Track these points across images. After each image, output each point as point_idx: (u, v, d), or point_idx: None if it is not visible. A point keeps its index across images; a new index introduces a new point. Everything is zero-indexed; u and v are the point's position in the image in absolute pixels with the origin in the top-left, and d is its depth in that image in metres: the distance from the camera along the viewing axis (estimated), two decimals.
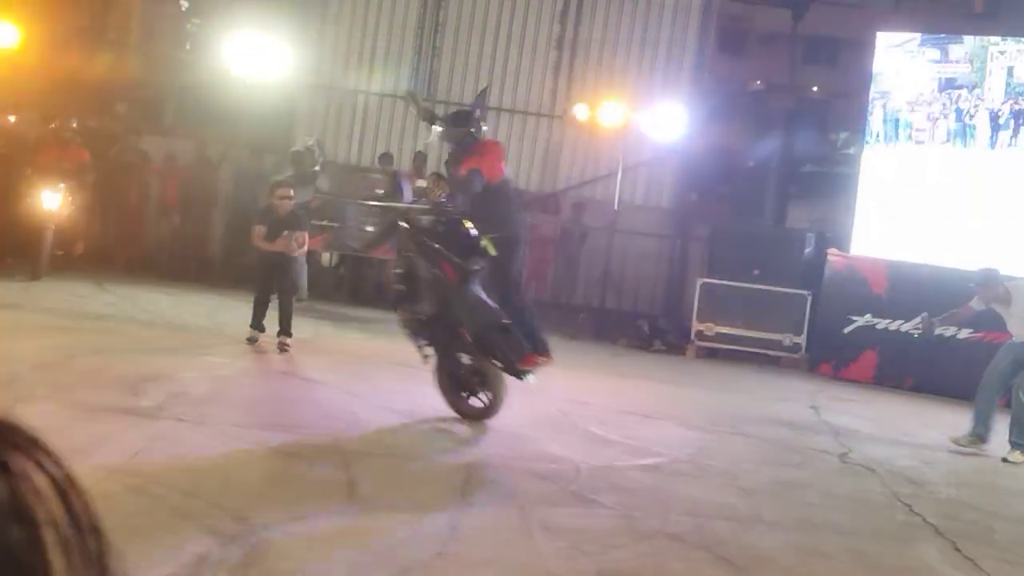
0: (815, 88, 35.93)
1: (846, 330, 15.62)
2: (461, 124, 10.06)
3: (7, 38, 16.65)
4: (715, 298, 16.53)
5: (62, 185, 15.07)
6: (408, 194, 11.03)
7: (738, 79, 32.49)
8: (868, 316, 15.64)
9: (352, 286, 18.37)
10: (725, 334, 16.47)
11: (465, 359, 9.61)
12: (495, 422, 9.91)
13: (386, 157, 18.75)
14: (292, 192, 12.59)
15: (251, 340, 12.36)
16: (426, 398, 10.61)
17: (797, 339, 16.33)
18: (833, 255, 16.29)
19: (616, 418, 10.92)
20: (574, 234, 18.65)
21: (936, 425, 12.75)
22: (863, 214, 16.51)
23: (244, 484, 7.16)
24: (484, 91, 18.26)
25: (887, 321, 15.49)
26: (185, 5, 24.92)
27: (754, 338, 16.39)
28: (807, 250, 17.05)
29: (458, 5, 19.94)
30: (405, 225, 9.84)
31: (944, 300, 14.97)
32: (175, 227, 18.61)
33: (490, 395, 9.63)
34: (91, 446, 7.48)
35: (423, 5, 19.96)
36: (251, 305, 12.50)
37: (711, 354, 16.51)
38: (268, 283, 12.49)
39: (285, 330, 12.36)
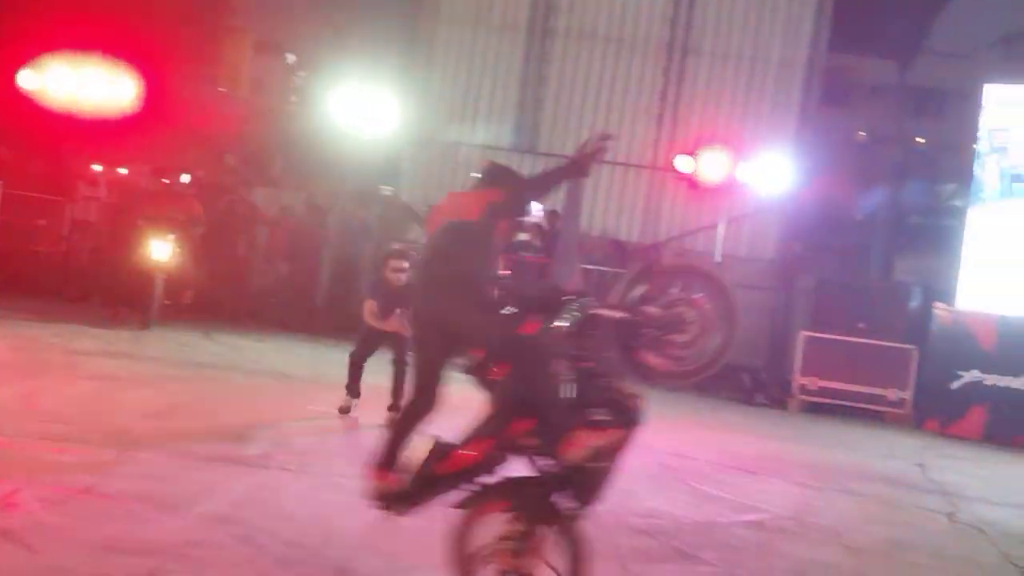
0: (921, 140, 35.57)
1: (953, 385, 15.33)
2: None
3: (125, 92, 17.13)
4: (819, 351, 16.34)
5: (172, 235, 15.38)
6: None
7: (844, 130, 32.24)
8: (976, 372, 15.34)
9: None
10: (829, 388, 16.27)
11: None
12: None
13: None
14: (406, 264, 11.23)
15: (344, 410, 11.32)
16: None
17: (903, 394, 16.06)
18: (939, 309, 16.02)
19: (718, 473, 10.82)
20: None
21: None
22: (970, 268, 16.23)
23: (347, 534, 7.20)
24: (585, 144, 18.42)
25: (996, 377, 15.18)
26: (292, 58, 25.40)
27: (858, 393, 16.16)
28: (913, 304, 16.80)
29: (561, 58, 20.07)
30: None
31: None
32: (281, 277, 18.86)
33: None
34: (197, 495, 7.60)
35: (527, 58, 20.13)
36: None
37: (814, 408, 16.30)
38: (371, 349, 11.41)
39: (397, 404, 10.77)
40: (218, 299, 18.10)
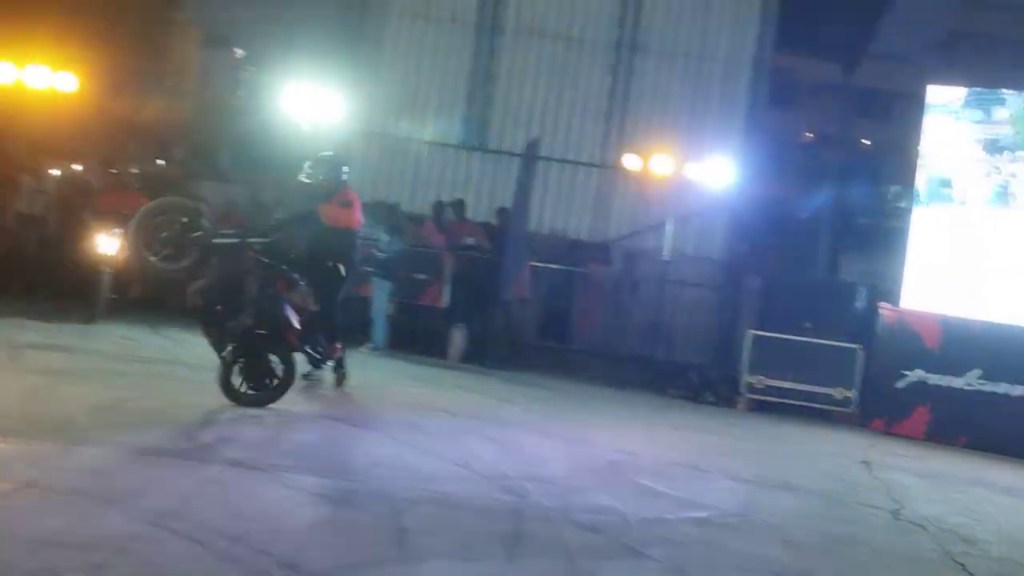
0: (866, 141, 35.86)
1: (898, 385, 15.46)
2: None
3: (68, 85, 16.94)
4: (766, 350, 16.43)
5: (119, 230, 15.22)
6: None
7: (789, 131, 32.44)
8: (920, 371, 15.48)
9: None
10: (775, 387, 16.37)
11: (273, 358, 10.89)
12: (544, 471, 9.90)
13: (439, 205, 18.83)
14: None
15: (307, 375, 12.69)
16: (476, 447, 10.60)
17: (848, 393, 16.19)
18: (884, 309, 16.15)
19: (666, 469, 10.85)
20: (625, 284, 18.62)
21: (989, 483, 12.60)
22: (914, 268, 16.35)
23: (293, 530, 7.16)
24: (535, 141, 18.46)
25: (939, 376, 15.33)
26: (240, 53, 25.24)
27: (805, 391, 16.27)
28: (859, 303, 16.92)
29: (510, 55, 20.09)
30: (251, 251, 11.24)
31: (998, 356, 14.88)
32: None
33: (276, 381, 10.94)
34: (142, 489, 7.52)
35: (475, 55, 20.13)
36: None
37: (761, 407, 16.39)
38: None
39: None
40: (165, 293, 17.94)
